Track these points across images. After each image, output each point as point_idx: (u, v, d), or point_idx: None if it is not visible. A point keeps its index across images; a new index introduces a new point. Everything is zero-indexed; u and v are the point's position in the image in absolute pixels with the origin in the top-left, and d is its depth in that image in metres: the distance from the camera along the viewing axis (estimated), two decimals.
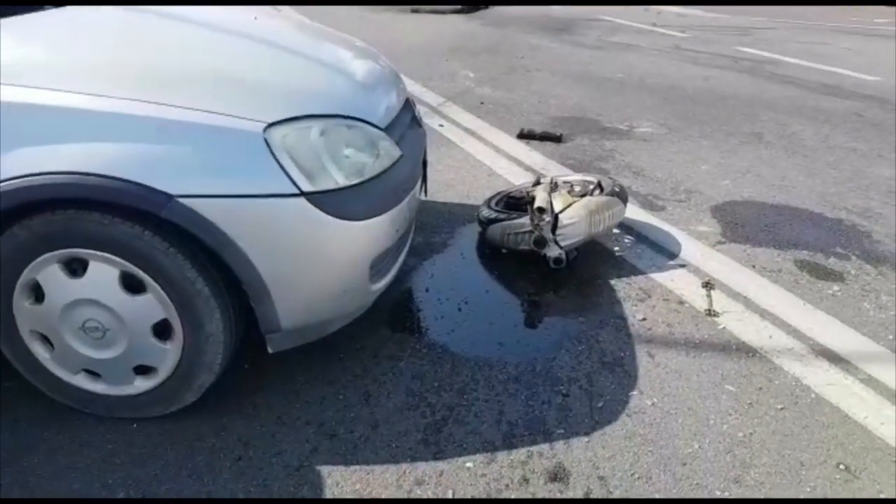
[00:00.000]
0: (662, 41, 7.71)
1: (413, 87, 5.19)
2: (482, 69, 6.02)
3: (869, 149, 4.06)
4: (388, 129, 1.85)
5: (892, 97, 5.31)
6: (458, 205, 3.11)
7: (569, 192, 2.74)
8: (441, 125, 4.31)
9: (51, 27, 1.76)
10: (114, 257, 1.52)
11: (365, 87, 1.97)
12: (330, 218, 1.56)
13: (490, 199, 2.90)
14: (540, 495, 1.54)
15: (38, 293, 1.62)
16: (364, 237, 1.66)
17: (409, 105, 2.21)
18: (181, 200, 1.44)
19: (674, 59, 6.72)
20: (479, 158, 3.76)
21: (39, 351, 1.69)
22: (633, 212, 3.01)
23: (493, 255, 2.64)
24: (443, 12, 9.92)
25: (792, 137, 4.23)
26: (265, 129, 1.52)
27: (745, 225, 2.97)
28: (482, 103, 4.89)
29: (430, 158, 2.46)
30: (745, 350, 2.08)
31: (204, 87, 1.55)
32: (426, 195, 2.37)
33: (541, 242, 2.47)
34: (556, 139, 4.10)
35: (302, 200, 1.53)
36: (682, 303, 2.33)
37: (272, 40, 2.08)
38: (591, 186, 2.78)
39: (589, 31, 8.27)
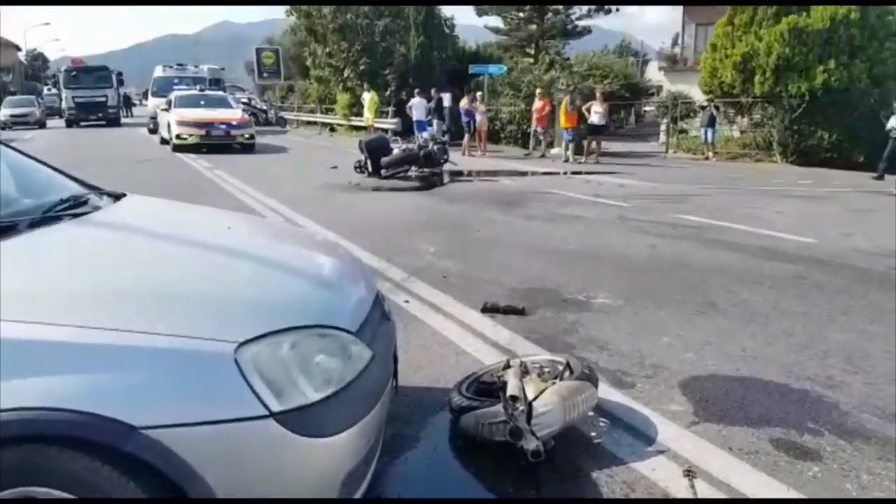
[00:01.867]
0: (608, 212, 8.26)
1: (377, 264, 5.32)
2: (442, 243, 6.25)
3: (818, 312, 4.25)
4: (359, 331, 1.85)
5: (830, 258, 5.69)
6: (427, 390, 3.05)
7: (539, 376, 2.73)
8: (406, 301, 4.36)
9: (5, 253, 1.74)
10: (68, 495, 1.39)
11: (337, 292, 2.00)
12: (299, 438, 1.49)
13: (461, 384, 2.86)
14: None
15: None
16: (335, 454, 1.58)
17: (378, 301, 2.24)
18: (145, 432, 1.36)
19: (620, 229, 7.14)
20: (447, 335, 3.77)
21: None
22: (605, 390, 2.99)
23: (468, 447, 2.54)
24: (403, 189, 10.53)
25: (744, 304, 4.42)
26: (236, 350, 1.49)
27: (714, 401, 2.98)
28: (445, 277, 5.01)
29: (398, 336, 2.44)
30: None
31: (172, 309, 1.54)
32: (397, 391, 2.32)
33: (517, 434, 2.40)
34: (520, 312, 4.18)
35: (270, 422, 1.47)
36: (666, 496, 2.24)
37: (244, 251, 2.13)
38: (561, 368, 2.79)
39: (539, 205, 8.83)
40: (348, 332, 1.79)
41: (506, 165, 14.35)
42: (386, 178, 11.26)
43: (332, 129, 25.95)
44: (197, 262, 1.92)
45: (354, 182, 10.83)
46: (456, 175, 12.23)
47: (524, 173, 13.23)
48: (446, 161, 12.29)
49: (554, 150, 16.96)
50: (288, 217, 7.44)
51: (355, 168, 11.74)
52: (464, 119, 16.73)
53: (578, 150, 15.30)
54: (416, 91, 18.23)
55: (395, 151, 11.75)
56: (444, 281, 4.90)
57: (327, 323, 1.76)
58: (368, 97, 20.72)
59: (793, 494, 2.27)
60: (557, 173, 13.31)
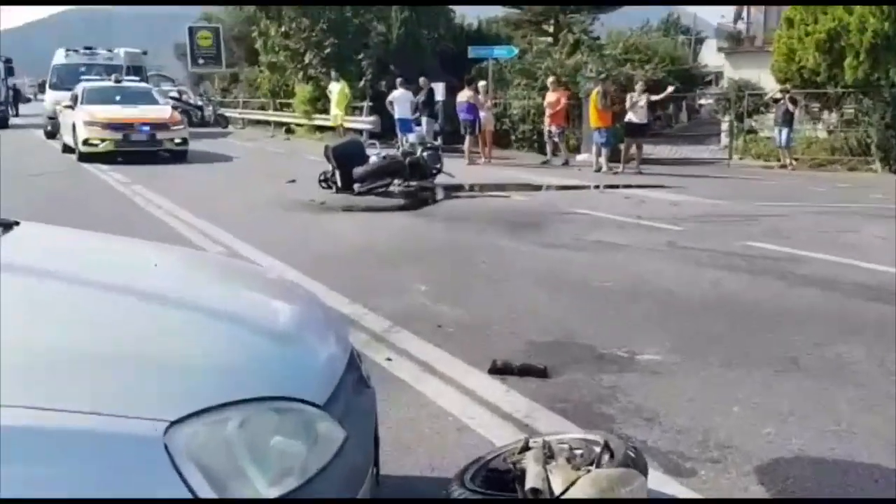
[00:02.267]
0: (653, 237, 8.31)
1: (350, 309, 5.33)
2: (437, 280, 6.28)
3: None
4: (329, 403, 1.85)
5: None
6: (420, 480, 3.03)
7: (569, 461, 2.71)
8: (389, 359, 4.37)
9: None
10: None
11: (298, 350, 2.01)
12: None
13: (464, 473, 2.84)
14: None
15: None
16: None
17: (353, 361, 2.24)
18: None
19: (670, 260, 7.19)
20: (443, 405, 3.76)
21: None
22: (656, 479, 2.97)
23: None
24: (383, 209, 10.59)
25: (837, 361, 4.43)
26: (166, 431, 1.48)
27: (802, 492, 2.97)
28: (440, 326, 5.02)
29: (378, 407, 2.44)
30: None
31: (80, 379, 1.53)
32: (378, 482, 2.30)
33: None
34: (541, 373, 4.17)
35: None
36: None
37: (175, 296, 2.13)
38: (598, 450, 2.77)
39: (563, 228, 8.89)
40: (314, 405, 1.78)
41: (518, 177, 14.51)
42: (360, 194, 11.34)
43: (289, 131, 26.28)
44: (113, 313, 1.92)
45: (319, 200, 10.90)
46: (453, 190, 12.35)
47: (543, 187, 13.37)
48: (439, 171, 12.44)
49: (581, 157, 17.17)
50: (232, 248, 7.46)
51: (320, 182, 11.82)
52: (463, 117, 16.94)
53: (614, 157, 15.48)
54: (399, 81, 18.52)
55: (373, 159, 11.86)
56: (440, 331, 4.90)
57: (286, 393, 1.75)
58: (337, 89, 21.02)
59: None
60: (587, 187, 13.43)
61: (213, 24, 35.83)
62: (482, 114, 16.91)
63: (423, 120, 17.32)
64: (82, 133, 15.90)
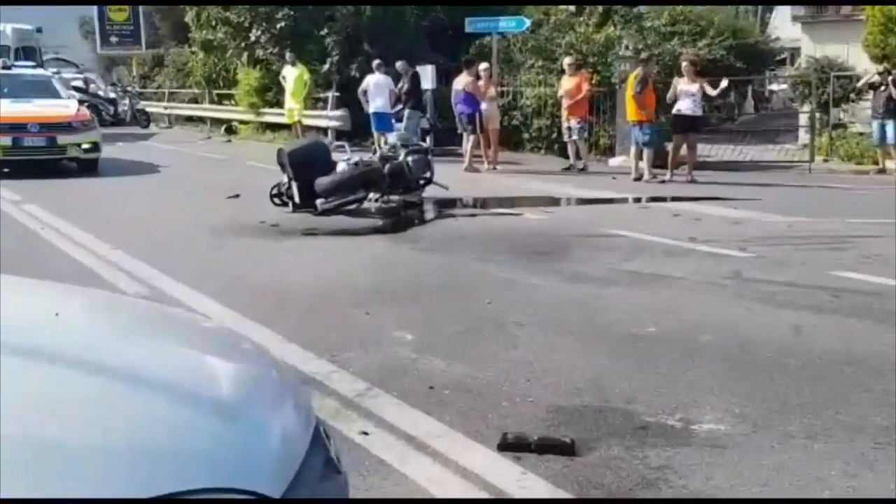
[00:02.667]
0: (712, 266, 8.34)
1: (314, 366, 5.34)
2: (426, 325, 6.29)
3: None
4: (287, 494, 1.85)
5: None
6: None
7: None
8: (365, 433, 4.37)
9: None
10: None
11: (245, 428, 2.01)
12: None
13: None
14: None
15: None
16: None
17: (319, 438, 2.26)
18: None
19: (736, 297, 7.20)
20: (437, 493, 3.76)
21: None
22: None
23: None
24: (355, 232, 10.60)
25: None
26: None
27: None
28: (432, 388, 5.03)
29: (353, 496, 2.45)
30: None
31: None
32: None
33: None
34: (567, 450, 4.17)
35: None
36: None
37: (82, 356, 2.14)
38: None
39: (593, 256, 8.91)
40: (267, 499, 1.79)
41: (533, 187, 14.65)
42: (325, 212, 11.39)
43: (231, 130, 26.42)
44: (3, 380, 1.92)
45: (271, 222, 10.96)
46: (446, 206, 12.46)
47: (565, 202, 13.46)
48: (428, 182, 12.55)
49: (616, 161, 17.30)
50: (157, 288, 7.47)
51: (272, 197, 11.87)
52: (459, 110, 17.06)
53: (658, 161, 15.57)
54: (376, 64, 18.67)
55: (341, 167, 11.92)
56: (432, 394, 4.92)
57: (229, 485, 1.76)
58: (293, 75, 21.15)
59: None
60: (623, 200, 13.51)
61: None
62: (484, 106, 17.02)
63: (405, 114, 17.45)
64: None
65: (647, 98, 15.35)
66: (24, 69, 20.90)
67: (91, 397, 1.94)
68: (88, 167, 16.51)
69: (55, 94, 18.26)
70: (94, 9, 34.13)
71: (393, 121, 17.46)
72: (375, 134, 18.35)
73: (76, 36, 48.71)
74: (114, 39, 33.87)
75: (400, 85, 18.09)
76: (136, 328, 2.68)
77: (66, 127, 16.46)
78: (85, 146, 16.54)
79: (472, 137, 16.90)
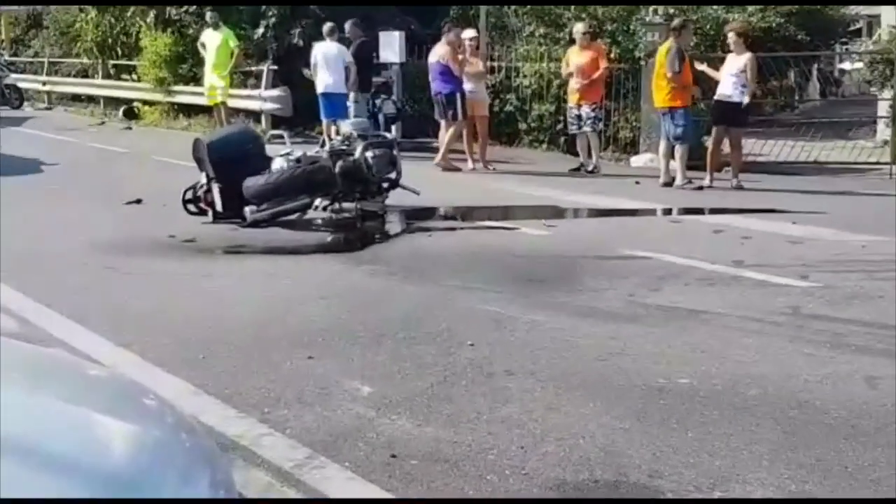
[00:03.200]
0: (762, 298, 8.42)
1: (239, 427, 5.36)
2: (387, 375, 6.32)
3: None
4: None
5: None
6: None
7: None
8: None
9: None
10: None
11: None
12: None
13: None
14: None
15: None
16: None
17: None
18: None
19: (794, 339, 7.25)
20: None
21: None
22: None
23: None
24: (296, 251, 10.63)
25: None
26: None
27: None
28: (394, 456, 5.05)
29: None
30: None
31: None
32: None
33: None
34: None
35: None
36: None
37: None
38: None
39: (609, 283, 8.96)
40: None
41: (532, 193, 14.74)
42: (256, 223, 11.43)
43: (132, 114, 26.33)
44: None
45: (184, 236, 10.97)
46: (417, 217, 12.55)
47: (573, 213, 13.57)
48: (394, 185, 12.63)
49: (640, 159, 17.40)
50: (31, 323, 7.49)
51: (186, 203, 11.89)
52: (435, 89, 17.13)
53: (694, 161, 15.68)
54: (328, 29, 18.66)
55: (278, 164, 11.94)
56: (393, 465, 4.94)
57: None
58: (217, 42, 21.12)
59: None
60: (649, 211, 13.58)
61: None
62: (469, 86, 17.12)
63: (350, 96, 17.56)
64: None
65: (683, 77, 15.40)
66: None
67: None
68: None
69: None
70: None
71: (349, 104, 17.55)
72: (325, 122, 18.40)
73: None
74: None
75: (351, 58, 18.13)
76: (9, 377, 2.68)
77: None
78: None
79: (451, 129, 16.97)
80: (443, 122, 17.12)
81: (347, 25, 18.52)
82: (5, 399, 2.42)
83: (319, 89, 18.38)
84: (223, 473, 2.47)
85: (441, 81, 16.98)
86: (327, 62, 18.22)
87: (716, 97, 15.57)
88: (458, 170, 16.65)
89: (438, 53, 17.10)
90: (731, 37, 15.79)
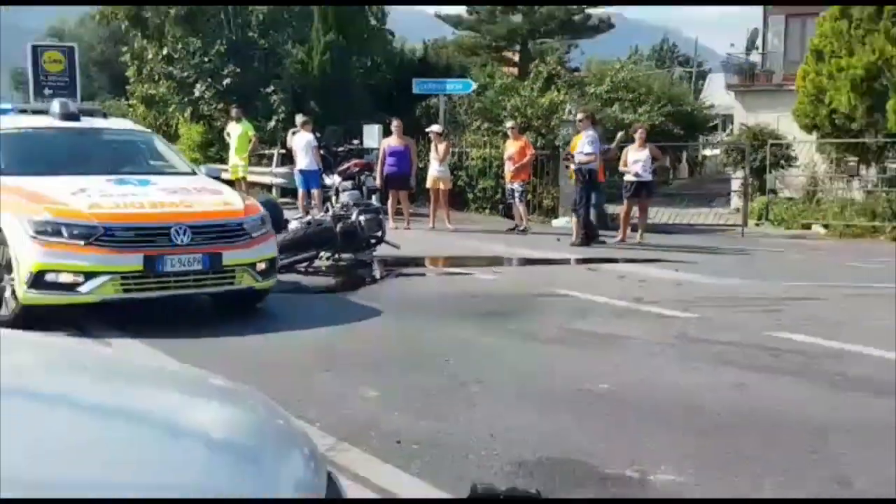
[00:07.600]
0: (659, 327, 8.61)
1: None
2: (390, 384, 6.40)
3: None
4: None
5: None
6: None
7: None
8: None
9: None
10: None
11: (270, 472, 2.04)
12: None
13: None
14: None
15: None
16: None
17: (333, 485, 2.27)
18: None
19: (683, 356, 7.45)
20: None
21: None
22: None
23: None
24: (305, 290, 10.76)
25: None
26: None
27: None
28: (399, 442, 5.14)
29: None
30: None
31: None
32: None
33: None
34: (533, 500, 4.30)
35: None
36: None
37: (111, 403, 2.18)
38: None
39: (544, 316, 9.14)
40: None
41: (480, 247, 14.90)
42: (278, 270, 11.46)
43: None
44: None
45: None
46: (396, 266, 12.65)
47: (513, 261, 13.77)
48: (380, 241, 12.78)
49: (559, 222, 17.65)
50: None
51: None
52: (390, 170, 17.43)
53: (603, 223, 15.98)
54: (301, 121, 18.59)
55: (293, 225, 12.08)
56: (400, 449, 5.02)
57: None
58: (239, 131, 21.12)
59: None
60: (566, 261, 13.81)
61: (67, 44, 35.68)
62: (435, 167, 17.42)
63: (335, 177, 17.46)
64: (29, 255, 7.68)
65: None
66: (96, 121, 10.84)
67: (125, 441, 1.95)
68: (248, 307, 9.09)
69: (173, 166, 10.39)
70: (29, 59, 33.76)
71: (317, 176, 17.80)
72: (300, 191, 18.48)
73: (8, 89, 47.58)
74: (48, 91, 33.14)
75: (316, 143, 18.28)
76: (150, 381, 2.59)
77: (236, 233, 8.58)
78: (260, 266, 8.72)
79: (395, 195, 17.45)
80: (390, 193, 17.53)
81: (298, 118, 18.73)
82: (148, 394, 2.42)
83: (298, 167, 18.45)
84: (316, 455, 2.39)
85: (391, 164, 17.47)
86: (302, 147, 18.24)
87: (631, 178, 15.84)
88: (408, 228, 16.97)
89: (389, 141, 17.74)
90: (640, 133, 16.20)
